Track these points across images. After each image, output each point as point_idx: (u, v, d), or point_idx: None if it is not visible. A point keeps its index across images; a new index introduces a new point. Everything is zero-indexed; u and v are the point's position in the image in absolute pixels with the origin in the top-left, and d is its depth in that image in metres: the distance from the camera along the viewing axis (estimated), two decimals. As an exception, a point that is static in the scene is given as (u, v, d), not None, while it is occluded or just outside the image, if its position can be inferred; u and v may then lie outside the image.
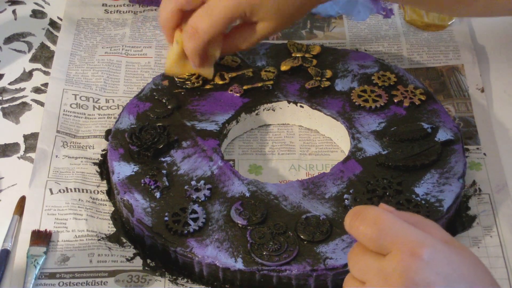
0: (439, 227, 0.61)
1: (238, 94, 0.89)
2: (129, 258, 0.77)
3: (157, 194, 0.79)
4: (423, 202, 0.77)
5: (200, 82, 0.91)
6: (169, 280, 0.76)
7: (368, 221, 0.60)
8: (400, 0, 0.93)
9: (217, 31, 0.80)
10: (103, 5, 1.08)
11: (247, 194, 0.79)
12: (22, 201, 0.82)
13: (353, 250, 0.62)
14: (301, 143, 0.90)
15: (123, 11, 1.07)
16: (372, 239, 0.59)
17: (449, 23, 1.04)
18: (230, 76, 0.91)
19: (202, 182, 0.80)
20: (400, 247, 0.58)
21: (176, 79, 0.91)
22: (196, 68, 0.84)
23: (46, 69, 0.99)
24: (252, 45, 0.85)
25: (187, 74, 0.90)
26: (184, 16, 0.82)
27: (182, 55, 0.84)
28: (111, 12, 1.07)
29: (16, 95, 0.95)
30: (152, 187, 0.79)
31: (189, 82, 0.90)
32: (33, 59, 1.00)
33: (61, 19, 1.06)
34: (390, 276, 0.57)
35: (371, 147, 0.83)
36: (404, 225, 0.59)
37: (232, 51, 0.88)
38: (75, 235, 0.79)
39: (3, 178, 0.86)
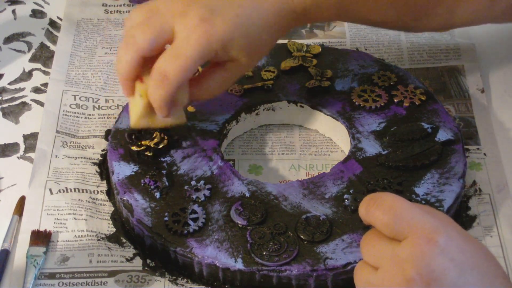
0: (451, 219, 0.61)
1: (238, 94, 0.89)
2: (129, 258, 0.77)
3: (157, 194, 0.78)
4: (423, 202, 0.77)
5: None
6: (169, 280, 0.76)
7: (384, 207, 0.61)
8: (358, 21, 0.89)
9: (188, 74, 0.73)
10: (103, 5, 1.08)
11: (247, 194, 0.79)
12: (21, 201, 0.82)
13: (366, 236, 0.62)
14: (301, 143, 0.90)
15: (123, 11, 1.07)
16: (388, 225, 0.60)
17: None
18: (230, 76, 0.91)
19: (202, 182, 0.79)
20: (417, 233, 0.58)
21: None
22: (164, 118, 0.76)
23: (46, 69, 0.99)
24: (227, 88, 0.79)
25: (158, 127, 0.79)
26: (144, 65, 0.74)
27: (149, 107, 0.75)
28: (111, 12, 1.07)
29: (16, 95, 0.95)
30: (152, 187, 0.79)
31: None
32: (33, 59, 1.00)
33: (61, 19, 1.05)
34: (405, 261, 0.58)
35: (371, 147, 0.83)
36: (420, 211, 0.60)
37: (206, 97, 0.79)
38: (75, 235, 0.79)
39: (2, 178, 0.86)
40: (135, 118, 0.77)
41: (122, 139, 0.84)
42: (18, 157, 0.88)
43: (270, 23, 0.76)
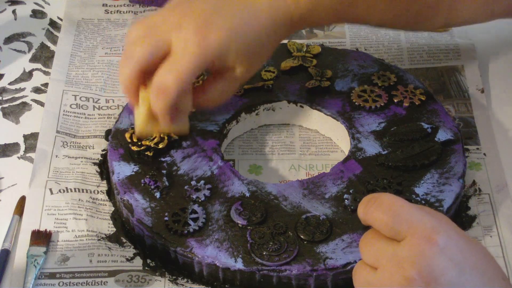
0: (449, 219, 0.62)
1: (238, 94, 0.89)
2: (129, 258, 0.77)
3: (157, 194, 0.79)
4: (423, 202, 0.77)
5: (200, 82, 0.91)
6: (169, 280, 0.76)
7: (383, 207, 0.61)
8: (357, 23, 0.89)
9: (186, 85, 0.75)
10: (103, 5, 1.08)
11: (247, 194, 0.79)
12: (22, 201, 0.82)
13: (365, 237, 0.63)
14: (301, 143, 0.90)
15: (123, 11, 1.07)
16: (388, 225, 0.60)
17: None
18: (230, 76, 0.91)
19: (202, 182, 0.80)
20: (416, 233, 0.59)
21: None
22: (167, 126, 0.78)
23: (46, 69, 0.99)
24: (228, 97, 0.81)
25: (161, 133, 0.82)
26: (146, 72, 0.76)
27: (151, 114, 0.77)
28: (111, 12, 1.07)
29: (16, 95, 0.95)
30: (152, 187, 0.79)
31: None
32: (33, 59, 1.00)
33: (61, 19, 1.06)
34: (404, 261, 0.58)
35: (371, 147, 0.83)
36: (419, 211, 0.60)
37: (210, 105, 0.82)
38: (75, 235, 0.79)
39: (3, 178, 0.86)
40: (139, 125, 0.79)
41: (122, 139, 0.84)
42: (18, 157, 0.88)
43: (266, 32, 0.77)
